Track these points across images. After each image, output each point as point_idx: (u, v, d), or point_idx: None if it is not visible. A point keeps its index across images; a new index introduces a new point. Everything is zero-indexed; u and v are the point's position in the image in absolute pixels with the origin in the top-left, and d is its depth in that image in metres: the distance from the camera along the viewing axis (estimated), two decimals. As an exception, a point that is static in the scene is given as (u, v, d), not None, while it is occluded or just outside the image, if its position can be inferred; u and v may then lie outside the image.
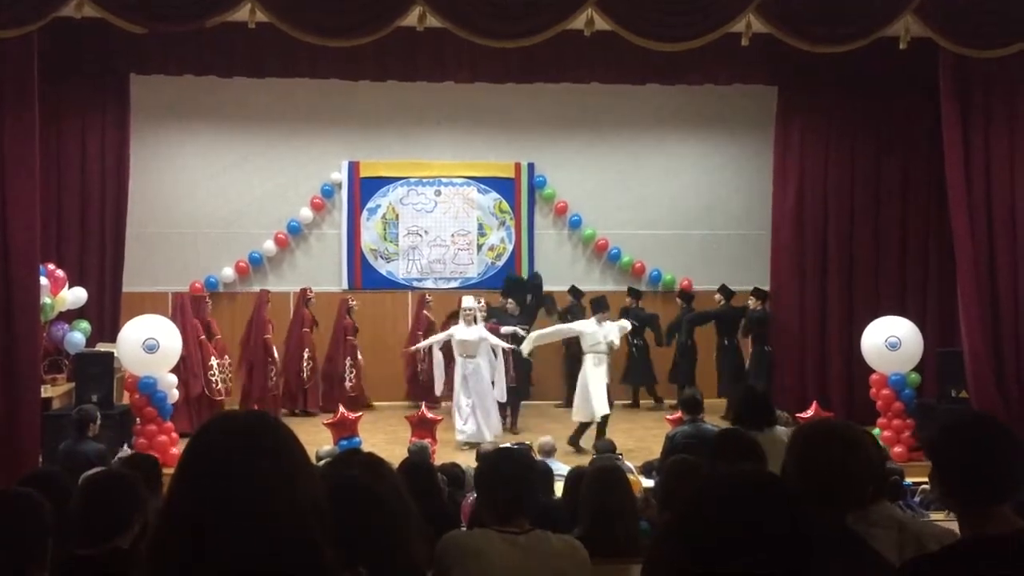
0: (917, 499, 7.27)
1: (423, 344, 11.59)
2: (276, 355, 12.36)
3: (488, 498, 3.44)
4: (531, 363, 11.73)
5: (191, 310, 11.55)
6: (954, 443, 2.39)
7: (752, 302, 12.26)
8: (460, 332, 10.72)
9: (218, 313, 12.81)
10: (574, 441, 10.26)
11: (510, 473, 3.40)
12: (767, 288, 12.29)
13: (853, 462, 2.61)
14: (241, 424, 1.73)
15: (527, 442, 8.89)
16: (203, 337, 11.64)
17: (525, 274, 13.50)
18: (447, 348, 11.14)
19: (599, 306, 10.83)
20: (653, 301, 13.44)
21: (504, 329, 11.23)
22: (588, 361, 10.51)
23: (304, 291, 12.87)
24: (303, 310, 12.73)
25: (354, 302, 12.96)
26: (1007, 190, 10.19)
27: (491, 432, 10.45)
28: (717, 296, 12.63)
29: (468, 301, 10.99)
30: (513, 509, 3.32)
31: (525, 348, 10.91)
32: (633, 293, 13.00)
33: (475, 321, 10.75)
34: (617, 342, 10.84)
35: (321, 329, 12.83)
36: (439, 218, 13.77)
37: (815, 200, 11.92)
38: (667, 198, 13.85)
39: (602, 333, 10.50)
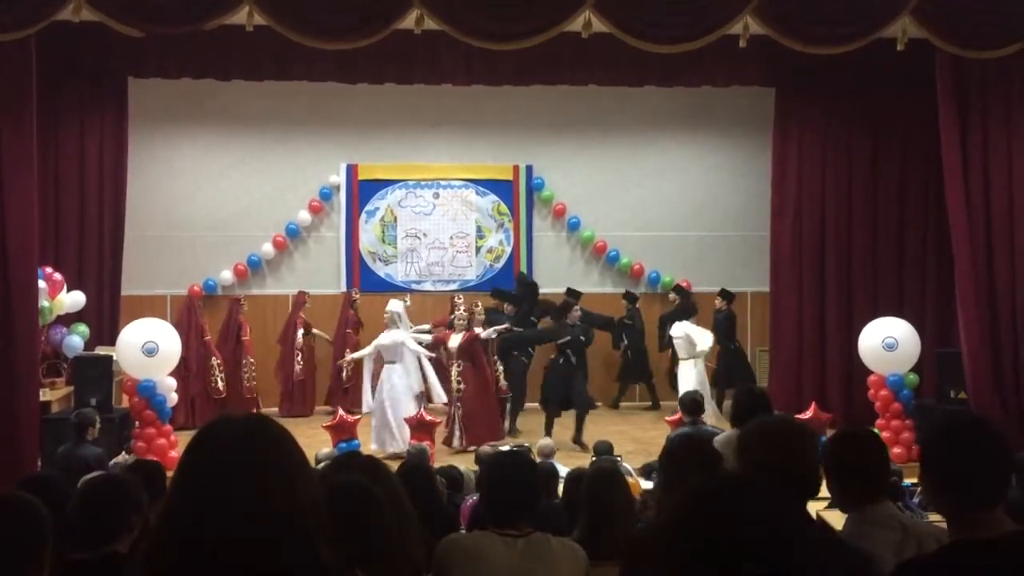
0: (916, 500, 7.27)
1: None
2: (301, 350, 12.56)
3: (492, 501, 3.42)
4: (525, 364, 11.60)
5: (199, 311, 12.24)
6: (949, 447, 2.38)
7: (718, 302, 12.36)
8: (381, 337, 10.64)
9: (217, 315, 12.84)
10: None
11: (515, 476, 3.39)
12: (731, 290, 12.52)
13: (799, 457, 2.64)
14: (240, 426, 1.74)
15: (527, 444, 8.89)
16: (208, 338, 11.88)
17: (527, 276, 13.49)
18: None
19: (693, 309, 10.93)
20: (652, 302, 13.46)
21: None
22: (700, 364, 10.55)
23: (349, 294, 12.94)
24: (348, 312, 12.82)
25: (407, 302, 12.85)
26: (1005, 190, 10.20)
27: (389, 444, 10.19)
28: (672, 296, 12.71)
29: (391, 305, 10.88)
30: (517, 512, 3.32)
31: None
32: (572, 295, 12.91)
33: (396, 325, 10.62)
34: None
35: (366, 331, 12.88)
36: (438, 220, 13.77)
37: (813, 201, 11.93)
38: (665, 200, 13.86)
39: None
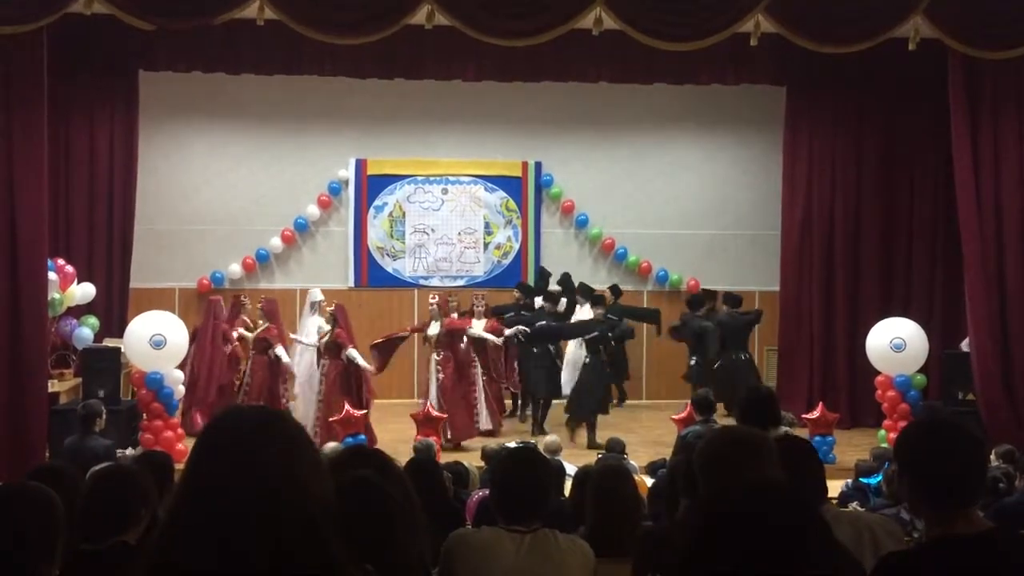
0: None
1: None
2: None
3: (503, 498, 3.42)
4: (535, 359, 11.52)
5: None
6: (932, 450, 2.46)
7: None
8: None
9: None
10: None
11: (525, 473, 3.39)
12: (735, 290, 12.45)
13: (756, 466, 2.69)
14: (251, 420, 1.74)
15: (532, 441, 8.89)
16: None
17: (531, 275, 13.45)
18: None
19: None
20: (658, 301, 13.44)
21: (509, 331, 11.02)
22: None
23: (445, 296, 12.53)
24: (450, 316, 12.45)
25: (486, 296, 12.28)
26: (1016, 189, 10.16)
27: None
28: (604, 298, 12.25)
29: (315, 294, 11.32)
30: (528, 509, 3.32)
31: None
32: (524, 290, 12.40)
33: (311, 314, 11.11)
34: None
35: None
36: (446, 216, 13.77)
37: (822, 200, 11.90)
38: (674, 198, 13.84)
39: None
